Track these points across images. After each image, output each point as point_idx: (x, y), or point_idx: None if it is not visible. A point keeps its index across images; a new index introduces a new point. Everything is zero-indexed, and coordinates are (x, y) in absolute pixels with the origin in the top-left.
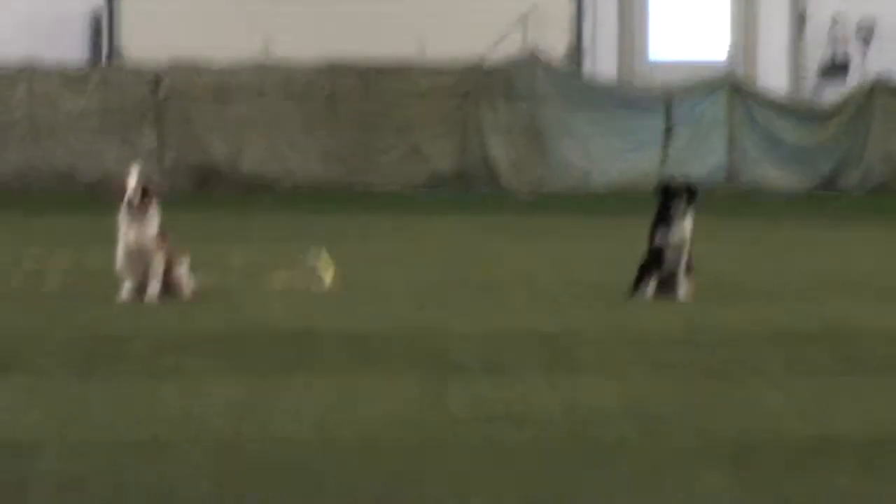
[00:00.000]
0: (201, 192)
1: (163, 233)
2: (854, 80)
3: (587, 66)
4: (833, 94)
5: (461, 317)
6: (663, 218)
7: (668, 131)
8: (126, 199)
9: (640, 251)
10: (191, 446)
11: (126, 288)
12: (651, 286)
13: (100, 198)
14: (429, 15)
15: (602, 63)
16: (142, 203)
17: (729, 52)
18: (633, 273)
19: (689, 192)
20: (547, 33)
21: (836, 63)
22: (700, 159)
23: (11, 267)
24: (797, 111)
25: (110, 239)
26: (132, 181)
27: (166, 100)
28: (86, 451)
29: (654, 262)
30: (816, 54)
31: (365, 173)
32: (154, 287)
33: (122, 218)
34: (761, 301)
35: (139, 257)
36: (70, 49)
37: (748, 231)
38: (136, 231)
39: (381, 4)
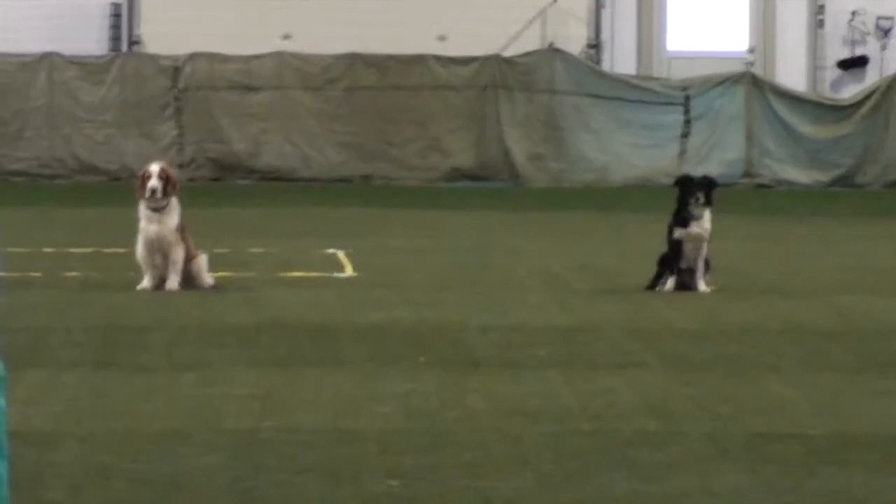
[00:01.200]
0: (220, 184)
1: (182, 225)
2: (873, 75)
3: (606, 60)
4: (852, 89)
5: (479, 311)
6: (682, 211)
7: (687, 125)
8: (148, 189)
9: (658, 245)
10: (210, 437)
11: (146, 279)
12: (670, 280)
13: (120, 188)
14: (448, 7)
15: (621, 56)
16: (163, 195)
17: (749, 47)
18: (651, 267)
19: (708, 186)
20: (566, 26)
21: (855, 58)
22: (718, 154)
23: (32, 256)
24: (816, 106)
25: (130, 230)
26: (154, 172)
27: (186, 90)
28: (105, 442)
29: (673, 256)
30: (835, 48)
31: (383, 166)
32: (173, 280)
33: (143, 210)
34: (779, 297)
35: (159, 249)
36: (91, 40)
37: (766, 227)
38: (157, 223)
39: None
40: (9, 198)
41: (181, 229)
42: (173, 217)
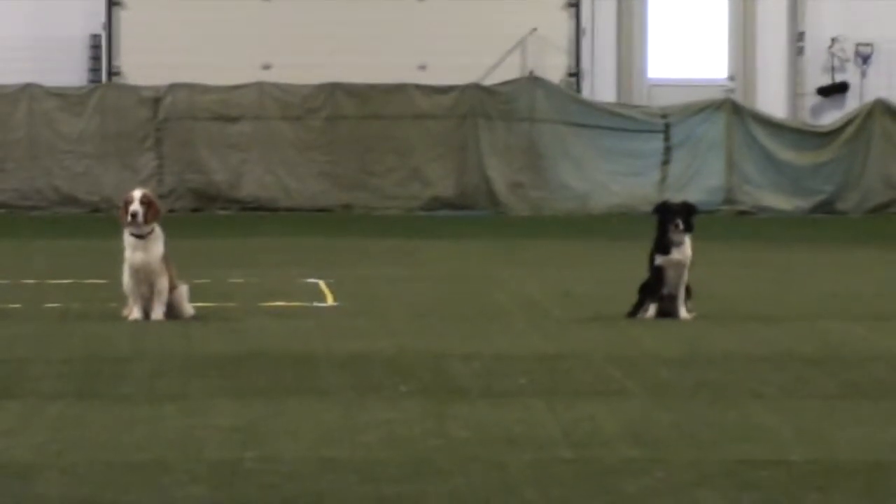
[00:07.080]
0: (201, 214)
1: (166, 255)
2: (853, 101)
3: (586, 88)
4: (832, 115)
5: (461, 339)
6: (663, 238)
7: (667, 153)
8: (129, 213)
9: (639, 273)
10: (192, 468)
11: (135, 309)
12: (652, 308)
13: (100, 220)
14: (428, 36)
15: (601, 84)
16: (146, 221)
17: (729, 74)
18: (633, 294)
19: (687, 212)
20: (546, 55)
21: (835, 84)
22: (699, 182)
23: (12, 288)
24: (796, 133)
25: (110, 260)
26: (136, 197)
27: (166, 121)
28: (87, 474)
29: (654, 283)
30: (815, 75)
31: (364, 196)
32: (158, 311)
33: (127, 238)
34: (761, 323)
35: (145, 278)
36: (71, 71)
37: (747, 253)
38: (142, 251)
39: (380, 26)
40: None
41: (165, 258)
42: (158, 245)
